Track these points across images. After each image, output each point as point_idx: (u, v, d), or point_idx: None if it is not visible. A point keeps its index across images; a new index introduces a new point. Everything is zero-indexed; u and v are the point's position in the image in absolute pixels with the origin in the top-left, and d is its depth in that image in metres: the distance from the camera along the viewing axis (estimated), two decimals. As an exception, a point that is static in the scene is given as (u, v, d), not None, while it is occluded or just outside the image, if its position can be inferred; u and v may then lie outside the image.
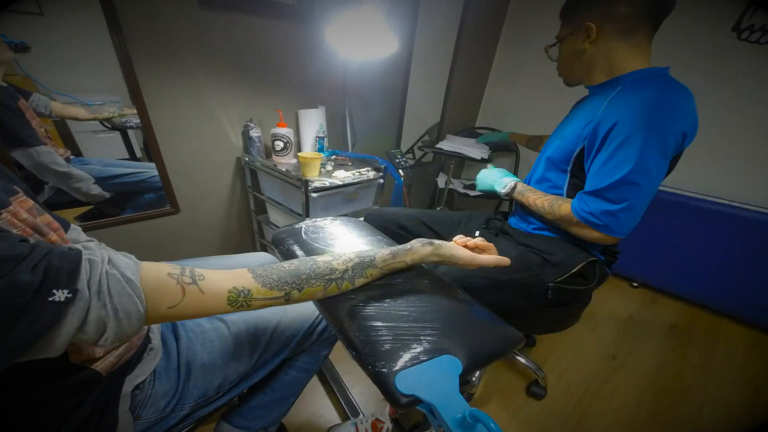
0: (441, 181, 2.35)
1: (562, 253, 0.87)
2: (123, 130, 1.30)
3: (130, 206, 1.38)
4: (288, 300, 0.49)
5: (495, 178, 1.03)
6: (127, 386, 0.53)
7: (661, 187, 1.77)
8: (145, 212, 1.39)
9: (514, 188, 0.97)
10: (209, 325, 0.67)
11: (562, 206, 0.84)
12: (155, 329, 0.62)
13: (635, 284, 2.00)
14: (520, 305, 0.87)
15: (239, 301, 0.45)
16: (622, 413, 1.20)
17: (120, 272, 0.37)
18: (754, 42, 1.57)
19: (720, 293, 1.72)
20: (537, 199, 0.90)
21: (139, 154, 1.45)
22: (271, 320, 0.71)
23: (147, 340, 0.59)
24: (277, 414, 0.82)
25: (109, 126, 1.26)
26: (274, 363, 0.72)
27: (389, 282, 0.60)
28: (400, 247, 0.61)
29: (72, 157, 1.24)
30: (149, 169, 1.35)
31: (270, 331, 0.70)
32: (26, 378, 0.42)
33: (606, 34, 0.78)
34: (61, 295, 0.32)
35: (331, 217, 0.88)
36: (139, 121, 1.28)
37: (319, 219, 0.85)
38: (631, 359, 1.45)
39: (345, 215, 1.58)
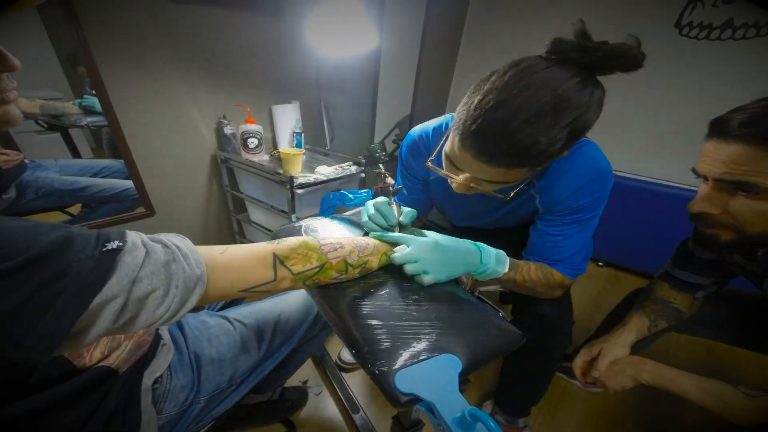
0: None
1: None
2: (64, 130, 1.21)
3: (99, 210, 1.29)
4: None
5: (467, 255, 0.63)
6: (147, 381, 0.53)
7: (621, 173, 1.93)
8: (118, 215, 1.32)
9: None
10: (213, 321, 0.68)
11: (554, 273, 0.74)
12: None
13: (600, 263, 2.16)
14: None
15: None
16: (599, 380, 1.31)
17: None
18: (693, 38, 1.74)
19: (673, 266, 1.90)
20: (528, 272, 0.72)
21: (88, 154, 1.36)
22: (272, 312, 0.73)
23: (158, 336, 0.59)
24: (283, 379, 0.89)
25: (46, 126, 1.17)
26: (283, 353, 0.73)
27: (389, 281, 0.60)
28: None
29: (27, 161, 1.14)
30: (119, 168, 1.28)
31: (273, 323, 0.72)
32: (35, 383, 0.41)
33: None
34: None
35: (330, 217, 0.88)
36: (89, 120, 1.20)
37: (317, 218, 0.85)
38: (603, 331, 1.57)
39: (329, 211, 1.57)
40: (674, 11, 1.74)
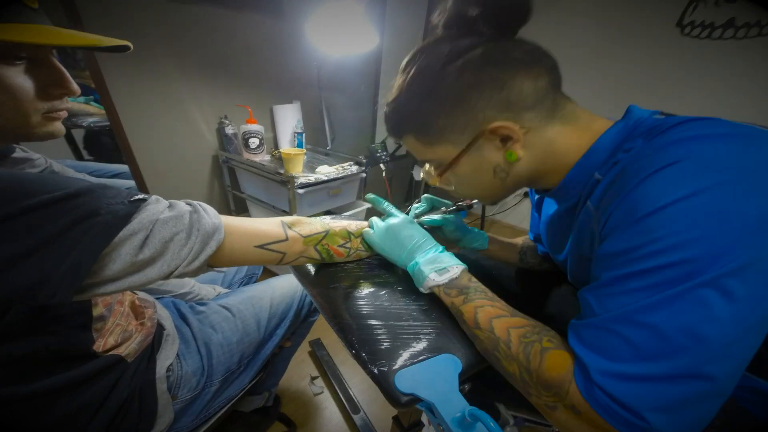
0: (417, 173, 2.40)
1: None
2: (66, 131, 1.22)
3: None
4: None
5: (410, 243, 0.56)
6: (160, 369, 0.56)
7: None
8: (120, 216, 1.32)
9: (458, 279, 0.51)
10: (212, 311, 0.72)
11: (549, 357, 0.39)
12: (166, 316, 0.65)
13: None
14: None
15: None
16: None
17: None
18: (695, 37, 1.73)
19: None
20: (496, 319, 0.44)
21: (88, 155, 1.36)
22: (264, 298, 0.77)
23: (161, 327, 0.62)
24: (278, 377, 0.93)
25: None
26: (279, 335, 0.77)
27: (388, 280, 0.60)
28: None
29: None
30: (122, 170, 1.28)
31: (267, 307, 0.76)
32: (50, 362, 0.43)
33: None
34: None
35: (330, 216, 0.88)
36: (91, 120, 1.21)
37: (319, 218, 0.85)
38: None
39: (329, 211, 1.58)
40: (676, 10, 1.74)
